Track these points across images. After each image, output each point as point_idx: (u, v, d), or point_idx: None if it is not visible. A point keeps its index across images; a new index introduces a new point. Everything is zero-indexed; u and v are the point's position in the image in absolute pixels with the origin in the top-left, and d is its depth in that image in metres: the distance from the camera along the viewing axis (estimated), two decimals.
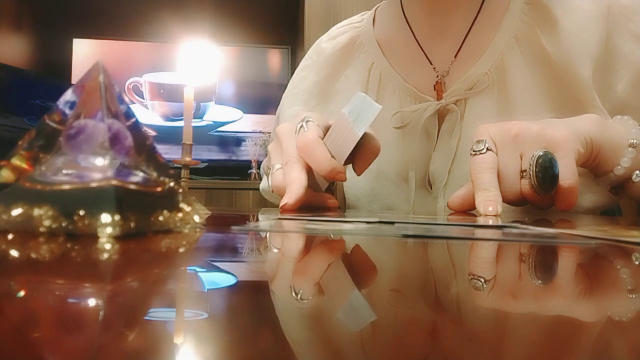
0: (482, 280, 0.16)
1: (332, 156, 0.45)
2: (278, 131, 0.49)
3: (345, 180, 0.47)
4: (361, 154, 0.48)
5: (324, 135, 0.46)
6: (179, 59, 2.13)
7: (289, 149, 0.46)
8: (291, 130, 0.47)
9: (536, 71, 0.56)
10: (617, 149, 0.47)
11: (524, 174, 0.43)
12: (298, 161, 0.45)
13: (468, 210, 0.46)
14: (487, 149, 0.44)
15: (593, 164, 0.47)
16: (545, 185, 0.42)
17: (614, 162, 0.47)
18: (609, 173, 0.48)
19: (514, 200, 0.45)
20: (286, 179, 0.44)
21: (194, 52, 1.89)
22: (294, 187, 0.42)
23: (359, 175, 0.49)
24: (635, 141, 0.46)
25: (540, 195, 0.43)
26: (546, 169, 0.41)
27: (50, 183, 0.21)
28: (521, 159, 0.44)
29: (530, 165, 0.42)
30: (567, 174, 0.42)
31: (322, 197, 0.50)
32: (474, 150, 0.45)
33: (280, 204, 0.42)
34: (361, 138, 0.45)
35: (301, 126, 0.46)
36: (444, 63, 0.61)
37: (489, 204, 0.41)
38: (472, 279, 0.16)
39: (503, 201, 0.44)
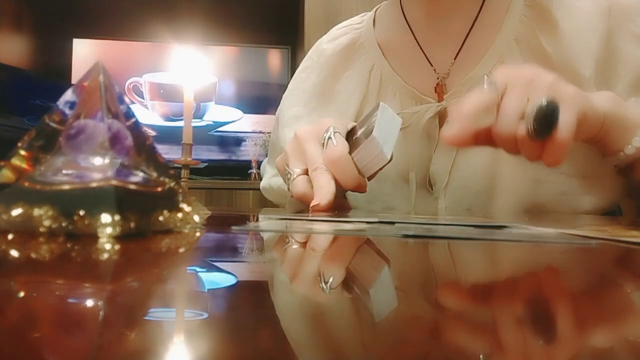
0: (482, 280, 0.16)
1: (359, 170, 0.46)
2: (299, 134, 0.49)
3: (365, 192, 0.48)
4: None
5: (349, 144, 0.47)
6: (179, 59, 2.13)
7: (314, 156, 0.47)
8: (313, 135, 0.48)
9: None
10: (630, 128, 0.46)
11: (524, 116, 0.42)
12: (327, 170, 0.46)
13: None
14: (490, 85, 0.44)
15: (603, 142, 0.47)
16: (539, 129, 0.41)
17: (626, 141, 0.47)
18: (618, 152, 0.48)
19: (507, 141, 0.44)
20: (316, 183, 0.45)
21: (194, 52, 1.89)
22: (325, 190, 0.44)
23: (368, 181, 0.50)
24: None
25: (532, 141, 0.42)
26: (545, 114, 0.41)
27: (50, 183, 0.21)
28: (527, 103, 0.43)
29: (532, 109, 0.41)
30: (564, 127, 0.41)
31: (342, 203, 0.52)
32: (481, 82, 0.45)
33: (311, 205, 0.43)
34: None
35: (329, 137, 0.47)
36: (445, 65, 0.61)
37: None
38: (472, 279, 0.16)
39: (497, 140, 0.44)
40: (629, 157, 0.47)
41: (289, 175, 0.49)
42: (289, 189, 0.49)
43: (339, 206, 0.49)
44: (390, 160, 0.48)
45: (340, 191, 0.48)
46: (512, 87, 0.44)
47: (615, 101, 0.46)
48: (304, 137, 0.49)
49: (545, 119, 0.41)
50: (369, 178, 0.49)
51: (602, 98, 0.46)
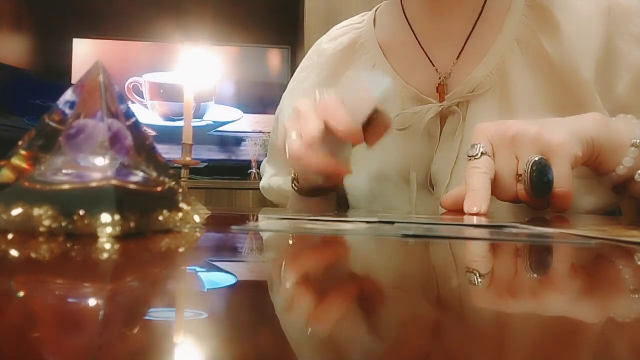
0: (483, 280, 0.16)
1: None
2: (297, 104, 0.50)
3: (361, 142, 0.48)
4: (373, 127, 0.49)
5: None
6: (179, 59, 2.13)
7: (307, 112, 0.47)
8: (310, 101, 0.49)
9: (538, 73, 0.56)
10: (620, 148, 0.47)
11: (520, 178, 0.44)
12: (317, 116, 0.46)
13: (460, 209, 0.47)
14: (482, 154, 0.45)
15: (595, 164, 0.48)
16: (539, 192, 0.43)
17: (616, 161, 0.47)
18: (611, 173, 0.48)
19: (511, 202, 0.46)
20: (304, 127, 0.46)
21: (194, 52, 1.89)
22: (312, 127, 0.45)
23: (371, 146, 0.50)
24: (638, 141, 0.46)
25: (535, 199, 0.44)
26: (540, 176, 0.42)
27: (50, 183, 0.21)
28: (518, 161, 0.44)
29: (525, 171, 0.43)
30: (561, 181, 0.43)
31: (337, 163, 0.49)
32: (469, 155, 0.46)
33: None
34: (373, 113, 0.47)
35: (321, 93, 0.47)
36: (446, 65, 0.61)
37: (474, 205, 0.42)
38: (472, 279, 0.16)
39: (502, 201, 0.45)
40: (621, 177, 0.48)
41: (287, 141, 0.49)
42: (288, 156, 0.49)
43: (332, 166, 0.48)
44: (389, 128, 0.48)
45: (334, 149, 0.48)
46: (498, 149, 0.46)
47: (602, 123, 0.47)
48: (302, 104, 0.49)
49: (541, 182, 0.43)
50: (370, 142, 0.49)
51: (589, 121, 0.46)
